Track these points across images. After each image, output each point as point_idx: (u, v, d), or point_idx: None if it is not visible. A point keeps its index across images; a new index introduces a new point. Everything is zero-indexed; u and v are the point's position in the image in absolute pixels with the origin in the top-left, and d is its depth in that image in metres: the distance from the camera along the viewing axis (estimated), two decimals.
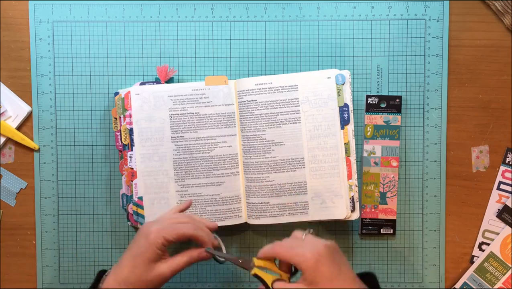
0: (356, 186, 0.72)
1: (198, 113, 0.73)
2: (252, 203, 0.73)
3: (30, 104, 0.77)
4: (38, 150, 0.77)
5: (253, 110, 0.72)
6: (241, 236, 0.77)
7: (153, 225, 0.62)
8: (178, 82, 0.76)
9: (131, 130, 0.73)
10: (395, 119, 0.76)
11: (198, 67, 0.76)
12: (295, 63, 0.76)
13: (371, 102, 0.75)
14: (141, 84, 0.74)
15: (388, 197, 0.76)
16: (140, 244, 0.61)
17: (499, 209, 0.76)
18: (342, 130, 0.72)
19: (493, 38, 0.76)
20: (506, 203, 0.76)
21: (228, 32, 0.76)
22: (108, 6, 0.76)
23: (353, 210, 0.72)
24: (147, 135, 0.72)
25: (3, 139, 0.77)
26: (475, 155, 0.77)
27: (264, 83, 0.72)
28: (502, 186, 0.77)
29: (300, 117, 0.72)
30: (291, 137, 0.72)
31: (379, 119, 0.76)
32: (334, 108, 0.72)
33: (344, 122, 0.72)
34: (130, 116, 0.73)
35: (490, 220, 0.77)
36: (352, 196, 0.72)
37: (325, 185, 0.72)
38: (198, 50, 0.76)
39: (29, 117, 0.77)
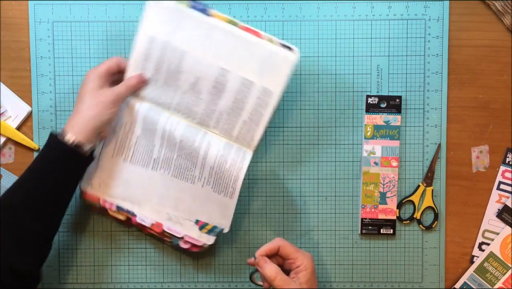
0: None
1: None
2: None
3: (30, 104, 0.77)
4: (38, 150, 0.77)
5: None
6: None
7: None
8: None
9: None
10: (395, 119, 0.76)
11: None
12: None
13: (371, 102, 0.76)
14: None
15: (388, 197, 0.76)
16: (85, 87, 0.67)
17: (499, 209, 0.76)
18: None
19: (493, 38, 0.76)
20: (506, 203, 0.76)
21: None
22: (108, 6, 0.76)
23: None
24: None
25: (3, 139, 0.77)
26: (475, 155, 0.77)
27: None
28: (502, 186, 0.77)
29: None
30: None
31: (379, 119, 0.76)
32: None
33: None
34: None
35: (490, 220, 0.77)
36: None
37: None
38: None
39: (29, 117, 0.77)
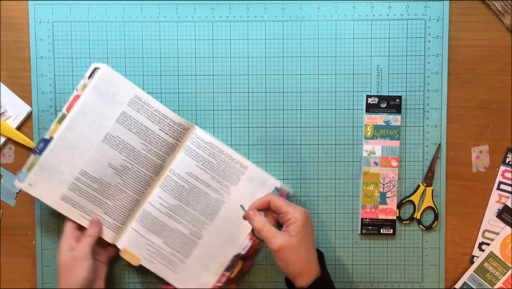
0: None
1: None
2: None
3: (30, 104, 0.77)
4: None
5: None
6: None
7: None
8: (178, 81, 0.76)
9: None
10: (395, 119, 0.76)
11: (198, 67, 0.76)
12: (295, 63, 0.76)
13: (371, 102, 0.76)
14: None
15: (388, 197, 0.76)
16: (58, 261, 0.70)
17: (499, 209, 0.76)
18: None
19: (493, 38, 0.76)
20: (506, 203, 0.76)
21: (228, 32, 0.76)
22: (108, 6, 0.76)
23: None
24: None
25: (3, 139, 0.77)
26: (475, 155, 0.77)
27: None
28: (502, 186, 0.77)
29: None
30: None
31: (379, 119, 0.76)
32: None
33: None
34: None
35: (490, 220, 0.77)
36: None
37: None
38: (198, 50, 0.76)
39: (29, 117, 0.77)
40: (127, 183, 0.72)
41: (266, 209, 0.67)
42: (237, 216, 0.71)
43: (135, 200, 0.73)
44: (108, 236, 0.73)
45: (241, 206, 0.68)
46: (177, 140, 0.72)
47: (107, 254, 0.74)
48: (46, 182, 0.71)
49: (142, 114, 0.71)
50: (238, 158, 0.73)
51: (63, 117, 0.71)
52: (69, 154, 0.71)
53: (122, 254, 0.73)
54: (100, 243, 0.73)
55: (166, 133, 0.71)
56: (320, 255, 0.68)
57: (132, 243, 0.73)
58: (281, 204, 0.66)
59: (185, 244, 0.73)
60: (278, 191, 0.73)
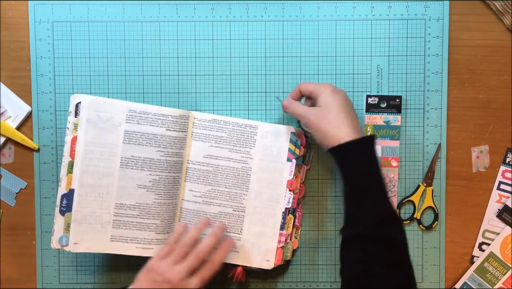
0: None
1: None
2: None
3: (30, 104, 0.77)
4: (38, 150, 0.77)
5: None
6: None
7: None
8: (178, 81, 0.76)
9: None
10: (395, 119, 0.76)
11: (198, 67, 0.76)
12: (295, 63, 0.76)
13: (371, 102, 0.75)
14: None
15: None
16: None
17: (499, 209, 0.76)
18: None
19: (493, 38, 0.76)
20: (506, 203, 0.76)
21: (228, 32, 0.76)
22: (108, 6, 0.76)
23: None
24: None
25: (3, 139, 0.77)
26: (475, 155, 0.77)
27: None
28: (502, 186, 0.77)
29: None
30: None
31: (379, 119, 0.76)
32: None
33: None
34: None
35: (490, 220, 0.77)
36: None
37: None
38: (198, 50, 0.76)
39: (29, 117, 0.77)
40: (162, 194, 0.71)
41: (306, 96, 0.71)
42: (268, 175, 0.72)
43: (174, 205, 0.73)
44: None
45: (276, 97, 0.75)
46: (183, 131, 0.72)
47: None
48: (89, 233, 0.70)
49: (143, 124, 0.70)
50: (245, 122, 0.73)
51: (71, 165, 0.69)
52: (97, 196, 0.69)
53: None
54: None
55: (173, 130, 0.71)
56: (370, 137, 0.66)
57: None
58: (310, 86, 0.69)
59: (234, 222, 0.73)
60: (295, 135, 0.73)
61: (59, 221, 0.69)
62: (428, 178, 0.76)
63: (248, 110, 0.76)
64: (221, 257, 0.68)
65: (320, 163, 0.77)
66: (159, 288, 0.63)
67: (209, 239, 0.68)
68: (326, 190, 0.77)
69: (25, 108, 0.76)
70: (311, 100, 0.70)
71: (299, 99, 0.71)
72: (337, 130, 0.64)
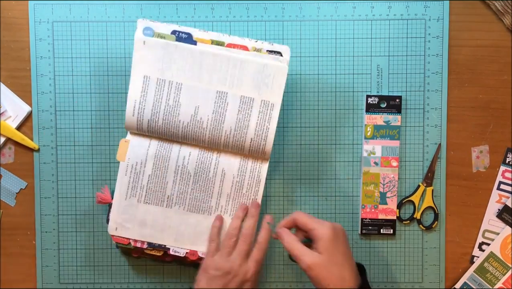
0: None
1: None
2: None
3: (30, 104, 0.77)
4: (38, 150, 0.77)
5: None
6: None
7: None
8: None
9: None
10: (395, 119, 0.76)
11: None
12: (295, 63, 0.76)
13: (371, 102, 0.76)
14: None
15: (388, 197, 0.76)
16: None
17: (499, 209, 0.76)
18: None
19: (493, 38, 0.76)
20: (506, 203, 0.76)
21: (228, 32, 0.76)
22: (108, 6, 0.76)
23: None
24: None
25: (3, 139, 0.77)
26: (475, 155, 0.77)
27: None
28: (502, 186, 0.77)
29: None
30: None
31: (379, 119, 0.76)
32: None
33: None
34: None
35: (490, 220, 0.77)
36: None
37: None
38: None
39: (29, 117, 0.77)
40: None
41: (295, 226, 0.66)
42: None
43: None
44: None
45: (268, 223, 0.69)
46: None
47: None
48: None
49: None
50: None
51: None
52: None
53: None
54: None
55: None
56: (361, 269, 0.65)
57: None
58: (307, 221, 0.64)
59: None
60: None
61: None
62: (428, 178, 0.76)
63: None
64: (266, 236, 0.68)
65: (320, 164, 0.77)
66: (222, 282, 0.64)
67: (249, 221, 0.69)
68: (326, 190, 0.77)
69: (25, 108, 0.76)
70: (302, 232, 0.66)
71: (290, 228, 0.67)
72: (340, 283, 0.61)
